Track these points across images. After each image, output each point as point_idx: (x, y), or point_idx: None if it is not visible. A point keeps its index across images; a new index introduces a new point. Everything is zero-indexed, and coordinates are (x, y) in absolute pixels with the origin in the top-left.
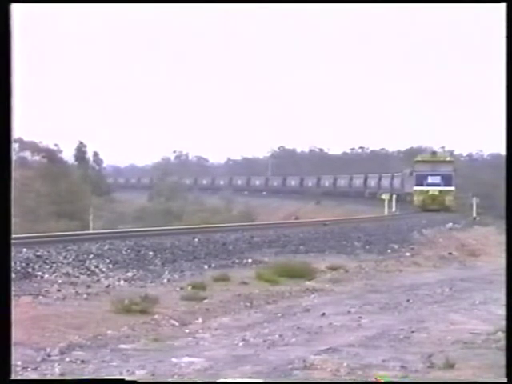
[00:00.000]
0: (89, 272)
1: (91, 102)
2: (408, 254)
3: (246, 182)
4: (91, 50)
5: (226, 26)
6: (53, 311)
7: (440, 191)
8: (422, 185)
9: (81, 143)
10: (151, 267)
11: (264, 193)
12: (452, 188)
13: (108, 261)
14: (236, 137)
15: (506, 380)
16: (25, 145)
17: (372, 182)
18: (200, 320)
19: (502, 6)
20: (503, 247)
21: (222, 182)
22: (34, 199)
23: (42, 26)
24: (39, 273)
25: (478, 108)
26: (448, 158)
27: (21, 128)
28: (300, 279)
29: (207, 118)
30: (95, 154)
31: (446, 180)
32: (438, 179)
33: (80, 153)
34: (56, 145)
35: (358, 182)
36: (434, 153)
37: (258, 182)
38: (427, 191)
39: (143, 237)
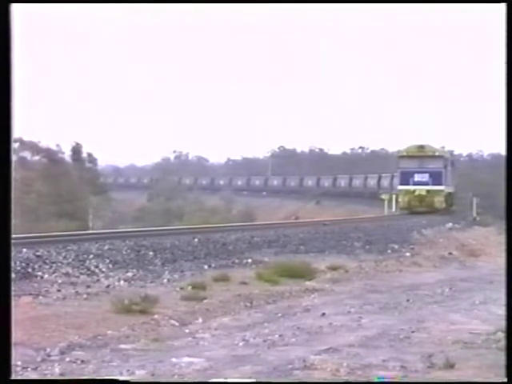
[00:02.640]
0: (89, 272)
1: (91, 102)
2: (408, 254)
3: (258, 181)
4: (91, 50)
5: (227, 26)
6: (53, 311)
7: (428, 191)
8: (407, 183)
9: (77, 144)
10: (151, 267)
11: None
12: (442, 187)
13: (108, 261)
14: (236, 137)
15: (506, 380)
16: (25, 145)
17: (385, 182)
18: (200, 320)
19: (502, 6)
20: (503, 247)
21: (240, 182)
22: (33, 199)
23: (42, 26)
24: (39, 273)
25: (478, 108)
26: (437, 153)
27: (21, 128)
28: (300, 279)
29: (207, 118)
30: (89, 155)
31: (435, 178)
32: (425, 177)
33: (76, 153)
34: (58, 145)
35: (372, 182)
36: (421, 146)
37: (275, 182)
38: (413, 191)
39: (143, 237)
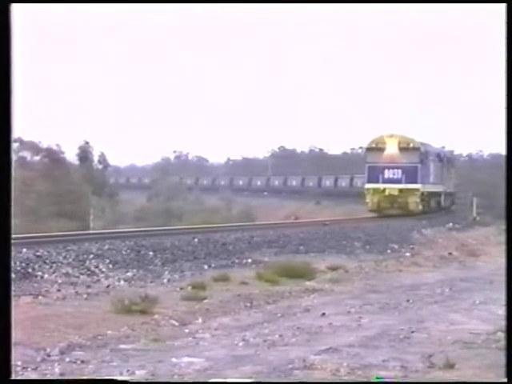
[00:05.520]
0: (89, 272)
1: (91, 102)
2: (408, 254)
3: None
4: (92, 50)
5: (225, 26)
6: (53, 311)
7: (400, 190)
8: (376, 181)
9: (86, 143)
10: (151, 267)
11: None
12: (418, 186)
13: (108, 261)
14: (236, 137)
15: (505, 380)
16: (24, 145)
17: None
18: (200, 320)
19: (502, 6)
20: (503, 247)
21: (259, 183)
22: (34, 199)
23: (42, 26)
24: (39, 273)
25: (478, 108)
26: (412, 144)
27: (21, 128)
28: (300, 279)
29: (207, 118)
30: (101, 155)
31: (409, 175)
32: (397, 173)
33: (84, 153)
34: (58, 145)
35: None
36: (391, 136)
37: (294, 182)
38: (383, 190)
39: (143, 237)
